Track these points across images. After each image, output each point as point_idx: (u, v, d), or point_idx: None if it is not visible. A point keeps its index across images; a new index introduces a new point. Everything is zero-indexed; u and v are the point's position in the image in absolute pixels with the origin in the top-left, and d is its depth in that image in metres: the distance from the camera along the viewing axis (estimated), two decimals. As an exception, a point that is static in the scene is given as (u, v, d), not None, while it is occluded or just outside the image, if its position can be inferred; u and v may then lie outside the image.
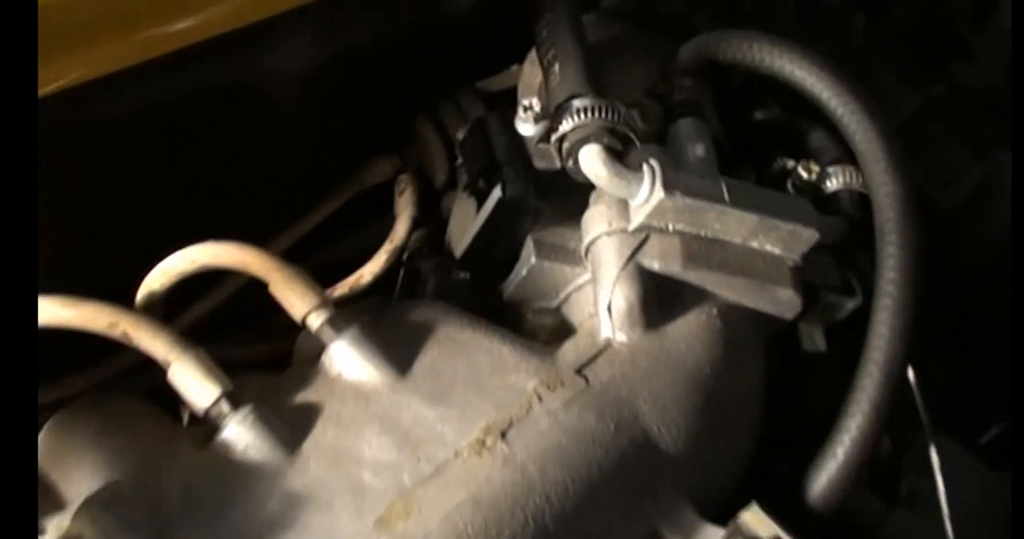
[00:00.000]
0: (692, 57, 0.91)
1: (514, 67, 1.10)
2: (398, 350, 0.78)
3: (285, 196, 0.98)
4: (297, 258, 1.01)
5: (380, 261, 1.05)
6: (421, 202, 1.04)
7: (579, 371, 0.77)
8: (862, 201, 0.93)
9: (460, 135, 1.00)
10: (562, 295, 0.87)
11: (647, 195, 0.80)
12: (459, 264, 0.89)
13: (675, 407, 0.77)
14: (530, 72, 1.03)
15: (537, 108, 0.85)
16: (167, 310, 0.82)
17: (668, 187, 0.79)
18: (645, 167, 0.81)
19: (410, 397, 0.76)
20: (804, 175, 0.93)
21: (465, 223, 0.88)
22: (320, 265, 1.03)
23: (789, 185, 0.96)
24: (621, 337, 0.80)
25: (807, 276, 0.84)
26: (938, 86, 1.09)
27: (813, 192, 0.95)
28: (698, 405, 0.77)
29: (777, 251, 0.82)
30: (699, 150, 0.86)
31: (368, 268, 1.03)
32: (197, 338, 0.78)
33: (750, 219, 0.80)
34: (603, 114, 0.79)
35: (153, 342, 0.77)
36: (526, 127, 0.85)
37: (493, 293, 0.88)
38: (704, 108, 0.93)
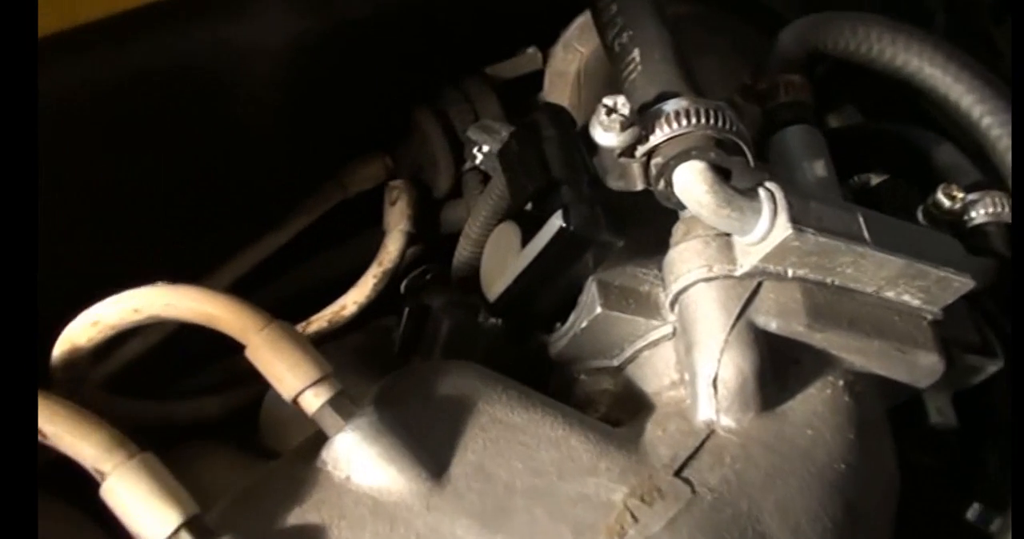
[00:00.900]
0: (797, 44, 0.78)
1: (530, 50, 0.96)
2: (428, 441, 0.61)
3: (251, 202, 0.86)
4: (262, 282, 0.91)
5: (367, 288, 0.89)
6: (417, 214, 0.92)
7: (679, 473, 0.62)
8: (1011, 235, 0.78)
9: (475, 135, 0.84)
10: (629, 351, 0.72)
11: (766, 231, 0.65)
12: (492, 307, 0.74)
13: (809, 522, 0.63)
14: (563, 58, 0.89)
15: (626, 109, 0.62)
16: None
17: (796, 220, 0.64)
18: (763, 193, 0.65)
19: (454, 516, 0.59)
20: (946, 203, 0.75)
21: (504, 257, 0.72)
22: (292, 291, 0.93)
23: (920, 214, 0.77)
24: (728, 422, 0.65)
25: (943, 333, 0.72)
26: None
27: (951, 224, 0.77)
28: (837, 516, 0.63)
29: (916, 303, 0.70)
30: (818, 168, 0.73)
31: (352, 296, 0.89)
32: (127, 387, 0.67)
33: (894, 264, 0.67)
34: (710, 120, 0.63)
35: (79, 442, 0.50)
36: (608, 135, 0.65)
37: (530, 346, 0.74)
38: (815, 110, 0.77)
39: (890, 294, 0.68)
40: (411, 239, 0.92)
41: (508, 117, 0.92)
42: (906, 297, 0.69)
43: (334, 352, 0.80)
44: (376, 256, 0.91)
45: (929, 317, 0.70)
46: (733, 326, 0.65)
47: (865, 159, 0.86)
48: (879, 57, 0.76)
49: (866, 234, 0.66)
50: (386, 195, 0.93)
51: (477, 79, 0.94)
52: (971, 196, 0.78)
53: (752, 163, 0.66)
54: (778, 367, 0.66)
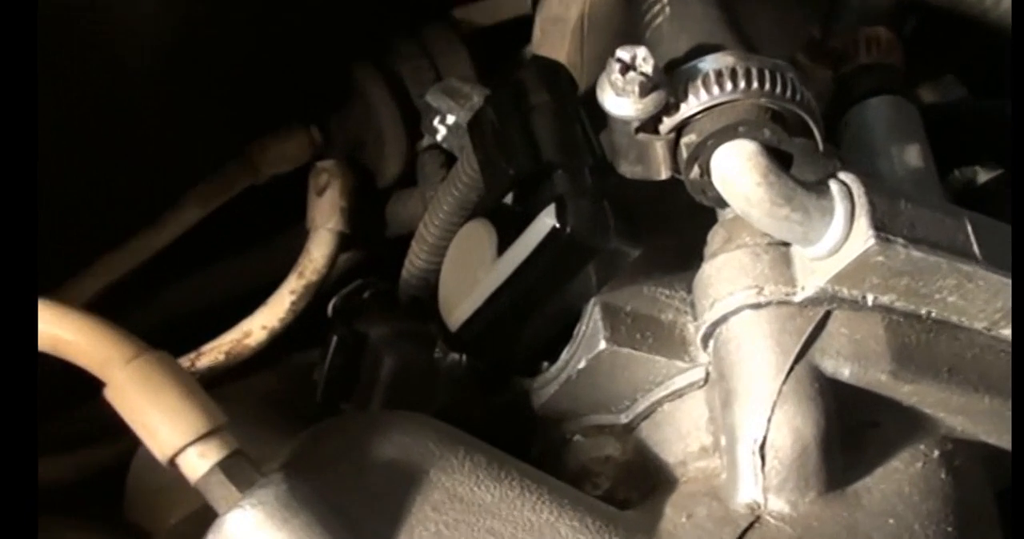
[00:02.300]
0: None
1: None
2: (359, 524, 0.61)
3: (131, 185, 0.87)
4: (137, 295, 0.93)
5: (281, 308, 0.91)
6: (353, 208, 0.93)
7: (709, 579, 0.63)
8: None
9: (434, 100, 0.86)
10: (643, 404, 0.72)
11: (839, 240, 0.64)
12: (453, 339, 0.74)
13: None
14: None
15: (648, 66, 0.61)
16: None
17: (882, 227, 0.63)
18: (835, 187, 0.64)
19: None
20: None
21: (472, 269, 0.73)
22: (179, 310, 0.95)
23: None
24: (780, 505, 0.65)
25: None
26: None
27: None
28: None
29: None
30: (911, 155, 0.73)
31: (260, 319, 0.91)
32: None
33: (1009, 290, 0.66)
34: (765, 84, 0.63)
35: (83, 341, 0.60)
36: (621, 101, 0.63)
37: (507, 395, 0.75)
38: (907, 76, 0.78)
39: (1006, 332, 0.68)
40: (344, 242, 0.93)
41: (482, 77, 0.93)
42: None
43: (234, 396, 0.80)
44: (296, 264, 0.92)
45: None
46: (790, 372, 0.64)
47: (969, 147, 0.86)
48: (997, 3, 0.76)
49: (976, 248, 0.65)
50: (311, 181, 0.94)
51: (441, 26, 0.96)
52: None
53: (822, 146, 0.65)
54: (852, 430, 0.66)
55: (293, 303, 0.90)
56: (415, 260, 0.82)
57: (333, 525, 0.59)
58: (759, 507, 0.65)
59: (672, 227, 0.72)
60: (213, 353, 0.88)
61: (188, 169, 0.92)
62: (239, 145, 0.94)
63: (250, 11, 0.86)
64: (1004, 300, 0.66)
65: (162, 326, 0.93)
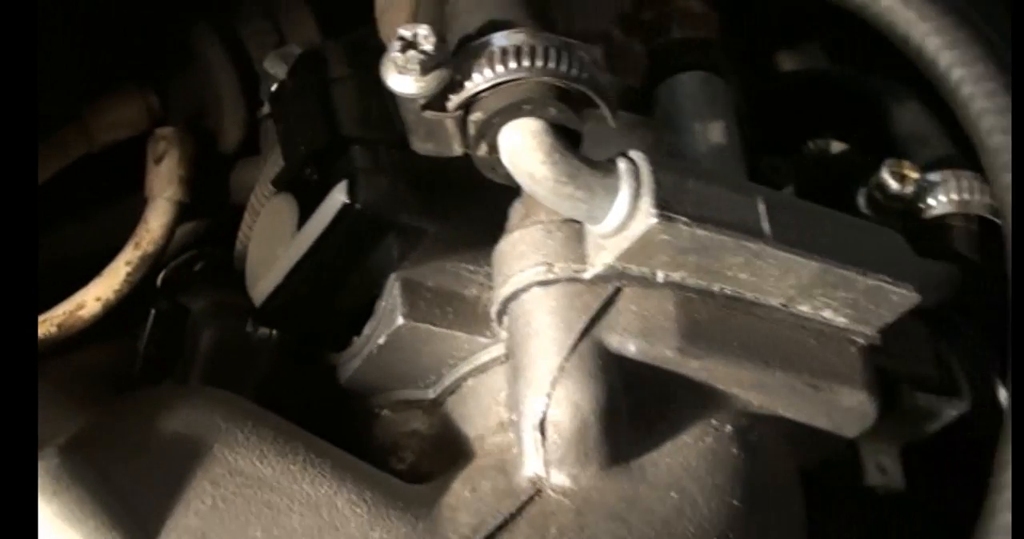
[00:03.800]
0: None
1: None
2: (136, 498, 0.65)
3: None
4: None
5: (116, 279, 0.94)
6: (193, 177, 0.96)
7: (481, 552, 0.64)
8: (983, 231, 0.82)
9: (271, 67, 0.89)
10: (448, 379, 0.76)
11: (623, 218, 0.67)
12: (259, 313, 0.77)
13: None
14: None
15: (429, 44, 0.65)
16: None
17: (665, 206, 0.67)
18: (622, 164, 0.68)
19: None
20: (894, 185, 0.79)
21: (277, 241, 0.76)
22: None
23: (863, 199, 0.82)
24: (561, 479, 0.69)
25: (885, 362, 0.76)
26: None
27: (905, 213, 0.82)
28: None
29: (841, 321, 0.73)
30: (714, 132, 0.77)
31: (94, 290, 0.93)
32: None
33: (805, 267, 0.70)
34: (550, 61, 0.66)
35: None
36: (403, 80, 0.67)
37: (319, 368, 0.79)
38: (722, 51, 0.81)
39: (804, 308, 0.72)
40: (183, 211, 0.95)
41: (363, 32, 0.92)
42: (827, 313, 0.72)
43: (51, 373, 0.83)
44: (132, 234, 0.94)
45: (861, 341, 0.73)
46: (573, 348, 0.68)
47: (819, 118, 0.91)
48: None
49: (766, 226, 0.69)
50: (149, 149, 0.96)
51: None
52: (932, 176, 0.81)
53: (613, 122, 0.69)
54: (642, 405, 0.70)
55: (129, 274, 0.92)
56: (246, 230, 0.85)
57: (106, 498, 0.63)
58: (541, 481, 0.68)
59: (480, 202, 0.74)
60: (45, 325, 0.90)
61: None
62: (73, 109, 0.95)
63: None
64: (797, 277, 0.70)
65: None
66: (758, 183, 0.80)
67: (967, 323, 0.82)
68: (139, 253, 0.94)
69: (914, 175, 0.79)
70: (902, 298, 0.72)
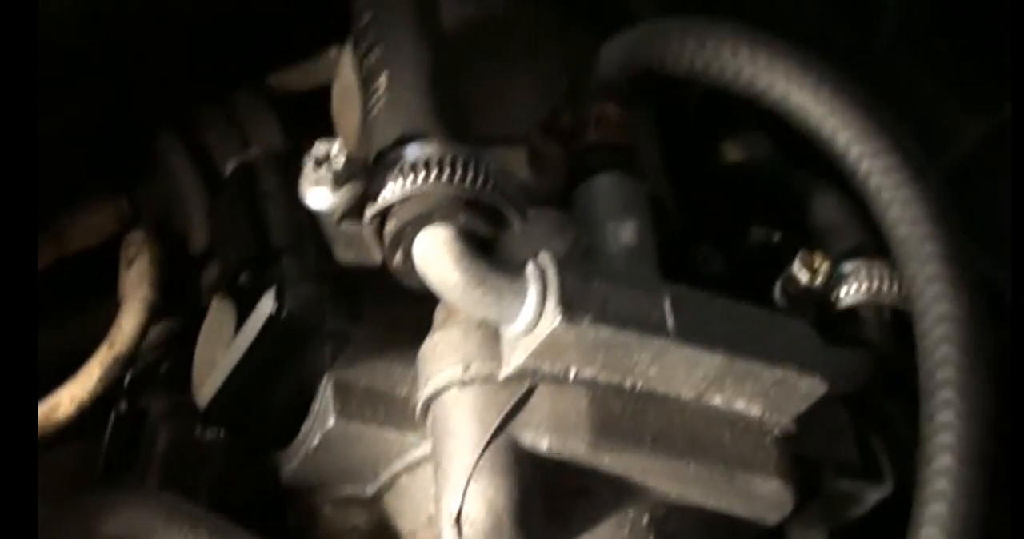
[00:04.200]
0: (619, 64, 0.85)
1: (332, 51, 1.00)
2: None
3: None
4: None
5: (90, 380, 0.94)
6: (163, 279, 0.96)
7: None
8: (896, 320, 0.84)
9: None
10: (384, 476, 0.78)
11: (533, 319, 0.70)
12: (204, 415, 0.80)
13: None
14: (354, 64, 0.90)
15: (340, 160, 0.68)
16: None
17: (569, 307, 0.69)
18: (530, 268, 0.70)
19: None
20: (804, 277, 0.81)
21: (217, 344, 0.79)
22: None
23: (777, 290, 0.83)
24: None
25: (803, 448, 0.77)
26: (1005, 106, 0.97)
27: (819, 303, 0.83)
28: None
29: (754, 412, 0.74)
30: (626, 231, 0.79)
31: (69, 391, 0.93)
32: None
33: (709, 361, 0.71)
34: (459, 173, 0.69)
35: None
36: (318, 194, 0.69)
37: (266, 466, 0.80)
38: (637, 153, 0.83)
39: (717, 400, 0.73)
40: (155, 312, 0.96)
41: (294, 144, 0.94)
42: (740, 404, 0.73)
43: None
44: (106, 336, 0.95)
45: (775, 430, 0.75)
46: (487, 445, 0.69)
47: (754, 207, 0.92)
48: (735, 79, 0.82)
49: (670, 322, 0.71)
50: (121, 253, 0.97)
51: (250, 92, 1.00)
52: (846, 266, 0.83)
53: (518, 229, 0.72)
54: (558, 499, 0.71)
55: (102, 375, 0.92)
56: None
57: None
58: (460, 577, 0.69)
59: (410, 304, 0.76)
60: None
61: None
62: (46, 215, 0.96)
63: (54, 78, 0.88)
64: (704, 370, 0.71)
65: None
66: (690, 270, 0.83)
67: (890, 404, 0.83)
68: (113, 353, 0.94)
69: (824, 267, 0.80)
70: (811, 387, 0.73)
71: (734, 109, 0.93)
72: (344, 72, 0.93)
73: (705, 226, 0.89)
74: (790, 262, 0.84)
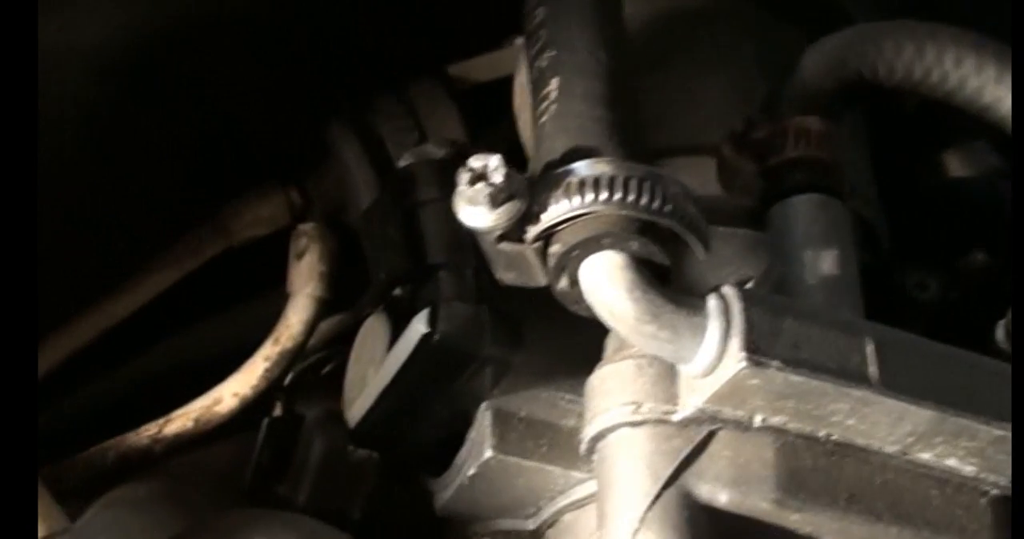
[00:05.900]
0: (825, 70, 0.80)
1: (519, 40, 0.95)
2: None
3: (101, 248, 0.91)
4: (107, 362, 0.96)
5: (254, 375, 0.94)
6: (334, 273, 0.96)
7: None
8: None
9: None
10: (548, 512, 0.75)
11: (713, 360, 0.64)
12: (353, 434, 0.77)
13: None
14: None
15: (499, 175, 0.63)
16: None
17: (755, 349, 0.63)
18: (712, 301, 0.65)
19: None
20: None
21: (369, 362, 0.77)
22: (152, 376, 0.97)
23: (1000, 330, 0.76)
24: None
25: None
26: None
27: None
28: None
29: (968, 471, 0.68)
30: (826, 261, 0.73)
31: (232, 385, 0.93)
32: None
33: (917, 414, 0.65)
34: (633, 193, 0.64)
35: None
36: (474, 213, 0.65)
37: (420, 490, 0.79)
38: (842, 171, 0.76)
39: (925, 456, 0.67)
40: (324, 307, 0.95)
41: (476, 137, 0.95)
42: (952, 462, 0.68)
43: (174, 469, 0.84)
44: (272, 330, 0.94)
45: (992, 491, 0.69)
46: (657, 497, 0.65)
47: (980, 230, 0.87)
48: (957, 91, 0.77)
49: (872, 370, 0.65)
50: (291, 245, 0.97)
51: (430, 83, 0.97)
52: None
53: (702, 256, 0.66)
54: None
55: (267, 370, 0.93)
56: None
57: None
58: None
59: (579, 330, 0.71)
60: (182, 419, 0.92)
61: (160, 232, 0.96)
62: (215, 205, 0.97)
63: (225, 65, 0.89)
64: (912, 425, 0.65)
65: (137, 391, 0.98)
66: (903, 301, 0.77)
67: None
68: (278, 348, 0.94)
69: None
70: (1035, 448, 0.67)
71: (954, 116, 0.87)
72: (525, 66, 0.90)
73: (919, 249, 0.85)
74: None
